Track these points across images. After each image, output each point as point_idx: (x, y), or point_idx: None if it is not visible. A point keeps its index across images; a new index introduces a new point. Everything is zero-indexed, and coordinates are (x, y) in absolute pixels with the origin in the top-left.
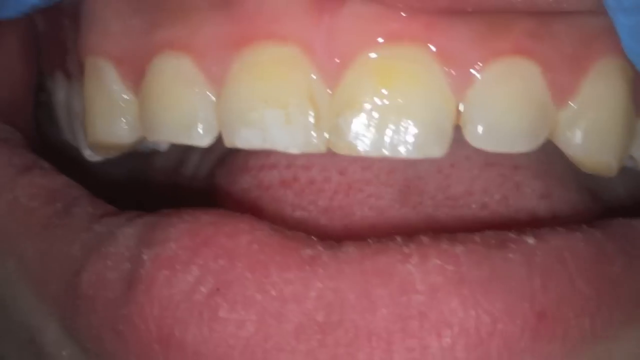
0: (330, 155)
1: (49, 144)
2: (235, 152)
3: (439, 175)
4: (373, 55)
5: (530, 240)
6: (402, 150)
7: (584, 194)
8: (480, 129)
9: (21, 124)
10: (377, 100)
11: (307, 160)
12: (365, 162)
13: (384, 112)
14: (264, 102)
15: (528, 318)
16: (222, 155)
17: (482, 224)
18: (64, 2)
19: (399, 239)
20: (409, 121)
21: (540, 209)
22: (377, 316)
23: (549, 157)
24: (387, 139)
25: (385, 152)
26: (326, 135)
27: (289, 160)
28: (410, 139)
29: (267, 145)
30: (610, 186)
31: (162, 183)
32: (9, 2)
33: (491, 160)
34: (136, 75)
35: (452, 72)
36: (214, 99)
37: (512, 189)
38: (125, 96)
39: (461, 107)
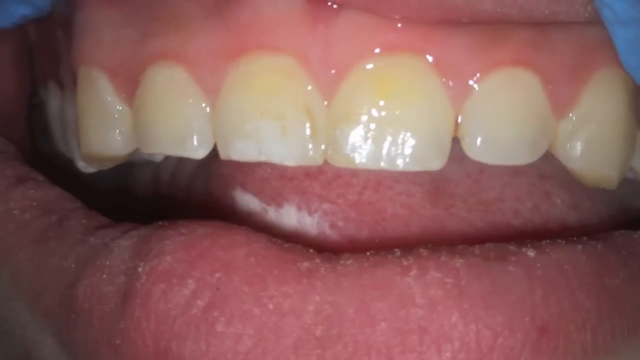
0: None
1: (43, 155)
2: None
3: (468, 179)
4: (369, 66)
5: (531, 253)
6: (400, 163)
7: (611, 204)
8: (478, 141)
9: (14, 135)
10: (374, 111)
11: None
12: None
13: (381, 124)
14: (259, 113)
15: (529, 332)
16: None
17: (516, 232)
18: (57, 12)
19: (397, 251)
20: (407, 133)
21: (570, 219)
22: (377, 330)
23: None
24: (384, 151)
25: (383, 165)
26: (323, 147)
27: None
28: (408, 151)
29: (262, 158)
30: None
31: (155, 193)
32: (0, 13)
33: (519, 168)
34: (130, 85)
35: (450, 83)
36: (208, 110)
37: (542, 198)
38: (118, 107)
39: (459, 119)
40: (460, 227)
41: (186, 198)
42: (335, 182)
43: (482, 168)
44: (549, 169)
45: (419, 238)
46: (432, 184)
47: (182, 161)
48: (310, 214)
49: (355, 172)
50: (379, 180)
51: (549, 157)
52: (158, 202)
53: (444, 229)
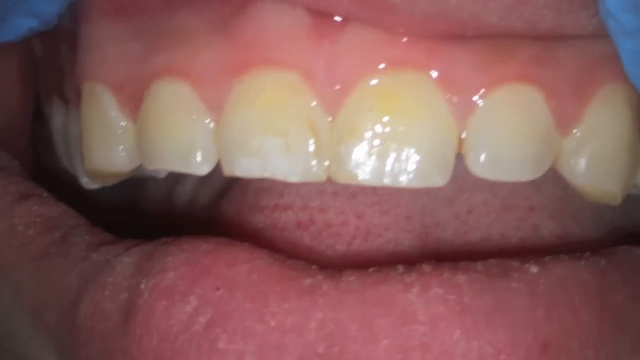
0: (347, 197)
1: (47, 170)
2: (241, 187)
3: (456, 221)
4: (374, 81)
5: (534, 269)
6: (404, 180)
7: (601, 229)
8: (482, 157)
9: (19, 150)
10: (378, 127)
11: (323, 202)
12: (384, 207)
13: (385, 140)
14: (264, 129)
15: (531, 349)
16: (222, 184)
17: None
18: (62, 27)
19: (400, 267)
20: (411, 149)
21: (558, 250)
22: (379, 347)
23: (565, 191)
24: (388, 168)
25: (387, 181)
26: (326, 163)
27: (304, 201)
28: (412, 167)
29: (266, 174)
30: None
31: (158, 209)
32: (6, 26)
33: (508, 202)
34: (134, 101)
35: (454, 99)
36: (212, 126)
37: (529, 231)
38: (122, 123)
39: (463, 135)
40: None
41: (190, 214)
42: (325, 232)
43: (471, 208)
44: (538, 198)
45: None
46: (422, 230)
47: (189, 179)
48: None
49: (345, 221)
50: (369, 228)
51: (539, 186)
52: (163, 217)
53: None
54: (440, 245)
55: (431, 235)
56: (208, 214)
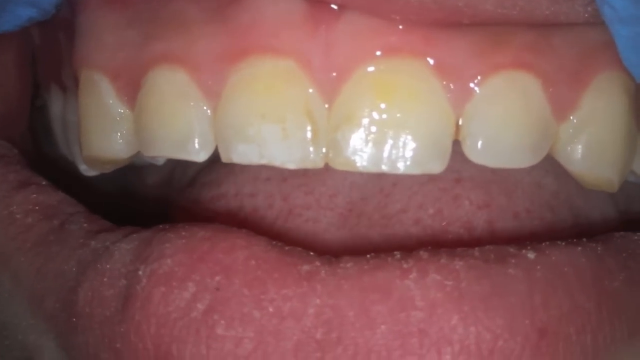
0: (278, 182)
1: (46, 158)
2: (196, 180)
3: (380, 194)
4: (371, 68)
5: (531, 255)
6: (401, 166)
7: (535, 203)
8: (479, 143)
9: (17, 138)
10: (375, 114)
11: (254, 188)
12: (309, 187)
13: (382, 127)
14: (261, 116)
15: (529, 335)
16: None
17: (414, 240)
18: (60, 16)
19: (397, 254)
20: (408, 136)
21: (477, 219)
22: (377, 333)
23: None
24: (385, 154)
25: (384, 168)
26: (324, 150)
27: (238, 189)
28: (409, 154)
29: (263, 161)
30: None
31: (155, 195)
32: (6, 16)
33: (434, 175)
34: (131, 88)
35: (451, 85)
36: (210, 113)
37: (449, 202)
38: (120, 110)
39: (460, 122)
40: (359, 246)
41: (188, 201)
42: (251, 217)
43: (396, 181)
44: (468, 170)
45: None
46: (346, 207)
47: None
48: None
49: (271, 204)
50: (291, 209)
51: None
52: (162, 204)
53: (343, 249)
54: (359, 220)
55: (354, 210)
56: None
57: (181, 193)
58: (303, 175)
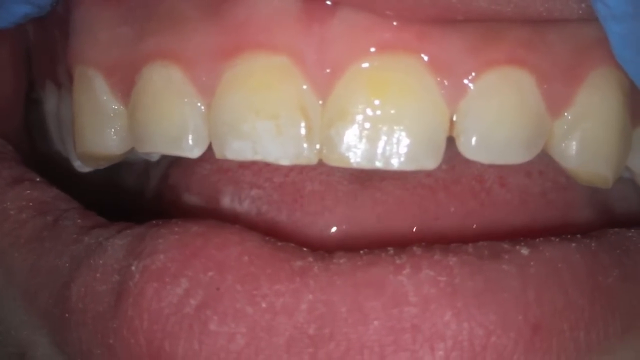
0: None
1: (41, 153)
2: (170, 186)
3: None
4: (365, 65)
5: (525, 251)
6: (395, 162)
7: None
8: (473, 140)
9: (12, 134)
10: (369, 111)
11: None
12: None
13: (376, 123)
14: (255, 113)
15: (522, 330)
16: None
17: (425, 189)
18: (55, 13)
19: (391, 250)
20: (402, 132)
21: (488, 174)
22: (369, 329)
23: None
24: (379, 150)
25: (378, 164)
26: (317, 146)
27: (210, 192)
28: (403, 150)
29: (257, 157)
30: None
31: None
32: (1, 13)
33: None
34: (125, 85)
35: (445, 82)
36: (204, 109)
37: (462, 160)
38: (114, 106)
39: (454, 118)
40: (371, 194)
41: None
42: (265, 168)
43: None
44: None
45: (332, 209)
46: (353, 175)
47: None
48: (240, 202)
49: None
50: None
51: None
52: (155, 200)
53: (355, 198)
54: (370, 175)
55: (365, 170)
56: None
57: (177, 160)
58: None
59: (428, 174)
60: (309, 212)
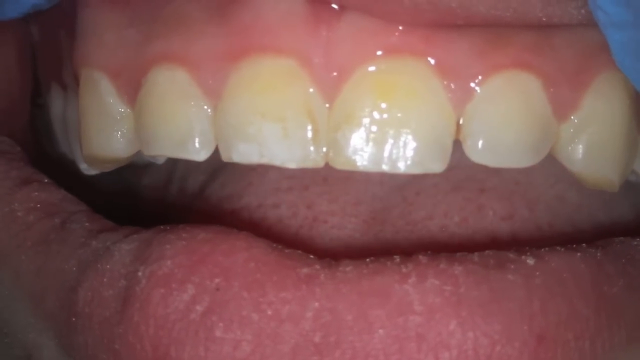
0: (300, 190)
1: (46, 155)
2: (209, 191)
3: (403, 203)
4: (372, 68)
5: (530, 261)
6: (401, 166)
7: (555, 214)
8: (480, 143)
9: (19, 135)
10: (375, 114)
11: (277, 198)
12: (333, 196)
13: (383, 127)
14: (262, 115)
15: (527, 341)
16: (212, 170)
17: (440, 246)
18: (60, 13)
19: (397, 258)
20: (408, 136)
21: (502, 230)
22: (374, 337)
23: (527, 177)
24: (386, 154)
25: (385, 168)
26: (324, 149)
27: (259, 200)
28: (410, 153)
29: (264, 160)
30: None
31: (153, 196)
32: (10, 3)
33: (458, 184)
34: (132, 87)
35: (452, 85)
36: (210, 112)
37: (473, 211)
38: (120, 109)
39: (461, 121)
40: (385, 251)
41: (190, 201)
42: (275, 227)
43: (419, 191)
44: (492, 181)
45: None
46: (369, 215)
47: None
48: None
49: (295, 213)
50: (316, 216)
51: (497, 170)
52: (164, 203)
53: (369, 255)
54: (383, 227)
55: (377, 218)
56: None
57: (195, 202)
58: (323, 183)
59: (442, 227)
60: None
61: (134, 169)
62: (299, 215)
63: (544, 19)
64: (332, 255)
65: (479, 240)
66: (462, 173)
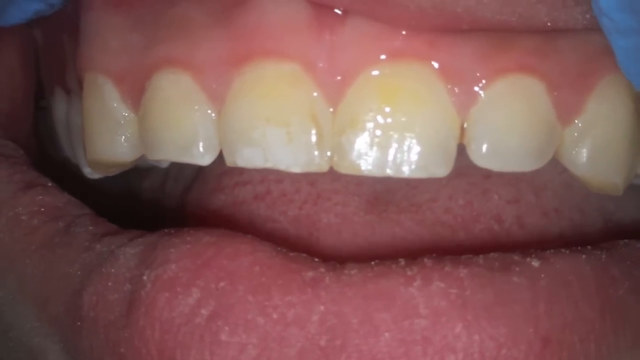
0: None
1: (49, 159)
2: (204, 174)
3: (406, 186)
4: (375, 72)
5: (535, 263)
6: (406, 170)
7: (562, 201)
8: (484, 147)
9: (22, 138)
10: (379, 118)
11: (279, 174)
12: (335, 175)
13: (387, 131)
14: (265, 120)
15: (533, 343)
16: (195, 173)
17: (445, 227)
18: (63, 17)
19: (402, 261)
20: (413, 140)
21: (506, 213)
22: (380, 341)
23: None
24: (390, 158)
25: (389, 172)
26: (328, 153)
27: (262, 175)
28: (414, 157)
29: (268, 165)
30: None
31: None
32: (13, 9)
33: (462, 170)
34: (136, 92)
35: (456, 89)
36: (214, 116)
37: (478, 195)
38: (124, 113)
39: (465, 125)
40: (389, 228)
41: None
42: (280, 201)
43: None
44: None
45: (349, 243)
46: (372, 195)
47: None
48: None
49: (298, 189)
50: (319, 193)
51: None
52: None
53: (373, 232)
54: (387, 206)
55: (381, 198)
56: (176, 204)
57: (199, 176)
58: None
59: (446, 209)
60: (326, 246)
61: (138, 172)
62: (302, 191)
63: (549, 24)
64: (336, 231)
65: (484, 221)
66: (467, 159)
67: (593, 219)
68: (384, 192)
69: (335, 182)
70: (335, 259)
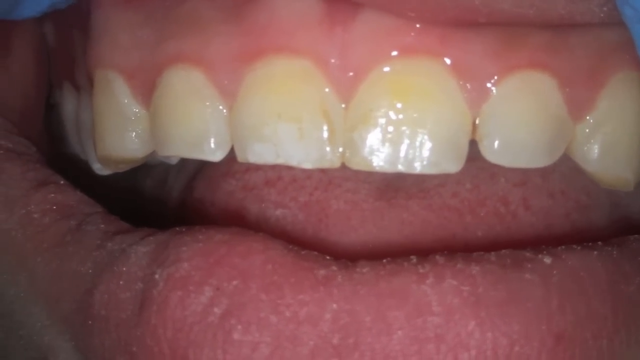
0: None
1: (58, 155)
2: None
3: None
4: (387, 68)
5: (547, 260)
6: (418, 166)
7: (569, 183)
8: (496, 143)
9: (34, 135)
10: (391, 114)
11: None
12: None
13: (399, 127)
14: (277, 116)
15: (545, 340)
16: (198, 168)
17: (452, 210)
18: (74, 13)
19: (414, 258)
20: (424, 135)
21: (513, 195)
22: (393, 339)
23: None
24: (402, 154)
25: (401, 168)
26: (340, 149)
27: None
28: (426, 153)
29: (280, 160)
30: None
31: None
32: (29, 2)
33: (473, 155)
34: (147, 88)
35: (468, 85)
36: (225, 112)
37: (485, 178)
38: (135, 110)
39: (477, 121)
40: (398, 214)
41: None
42: (291, 186)
43: None
44: None
45: (358, 229)
46: (382, 182)
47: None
48: (266, 221)
49: (309, 175)
50: (330, 179)
51: None
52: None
53: (382, 217)
54: (396, 193)
55: (391, 185)
56: (182, 198)
57: (202, 173)
58: None
59: (453, 193)
60: (335, 232)
61: (147, 169)
62: (313, 177)
63: (566, 17)
64: (345, 217)
65: (490, 204)
66: (476, 146)
67: (600, 200)
68: (394, 179)
69: (346, 169)
70: (344, 245)
